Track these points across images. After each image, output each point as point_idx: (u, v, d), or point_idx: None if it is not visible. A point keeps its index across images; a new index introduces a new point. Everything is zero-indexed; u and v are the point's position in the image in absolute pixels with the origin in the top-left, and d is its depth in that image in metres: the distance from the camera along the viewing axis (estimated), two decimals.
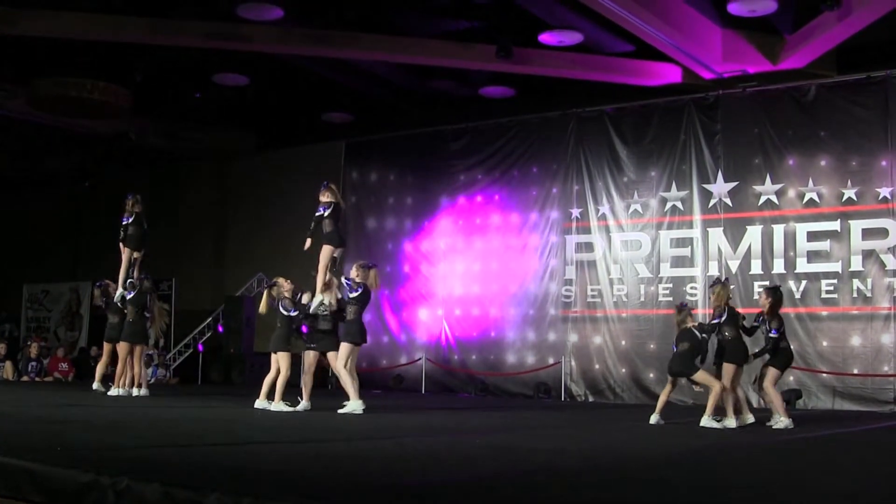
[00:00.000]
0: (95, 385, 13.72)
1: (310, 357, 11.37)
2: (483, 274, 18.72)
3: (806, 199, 15.70)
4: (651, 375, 16.50)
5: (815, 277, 15.50)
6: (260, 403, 11.13)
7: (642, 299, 16.91)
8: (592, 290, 17.42)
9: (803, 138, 15.79)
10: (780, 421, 10.10)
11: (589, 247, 17.55)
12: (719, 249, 16.30)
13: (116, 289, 13.90)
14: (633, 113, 17.40)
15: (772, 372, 10.38)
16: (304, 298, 11.42)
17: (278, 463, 5.80)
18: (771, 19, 14.36)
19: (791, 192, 15.85)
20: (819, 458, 7.71)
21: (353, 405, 10.64)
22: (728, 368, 10.16)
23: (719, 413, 10.06)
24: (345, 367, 10.79)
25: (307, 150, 21.21)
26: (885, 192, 15.08)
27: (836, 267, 15.35)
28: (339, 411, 10.66)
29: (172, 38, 15.50)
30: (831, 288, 15.35)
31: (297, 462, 6.02)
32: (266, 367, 11.64)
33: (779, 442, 8.81)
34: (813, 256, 15.59)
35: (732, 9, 13.84)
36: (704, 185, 16.52)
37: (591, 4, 13.16)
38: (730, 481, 5.83)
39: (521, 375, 17.87)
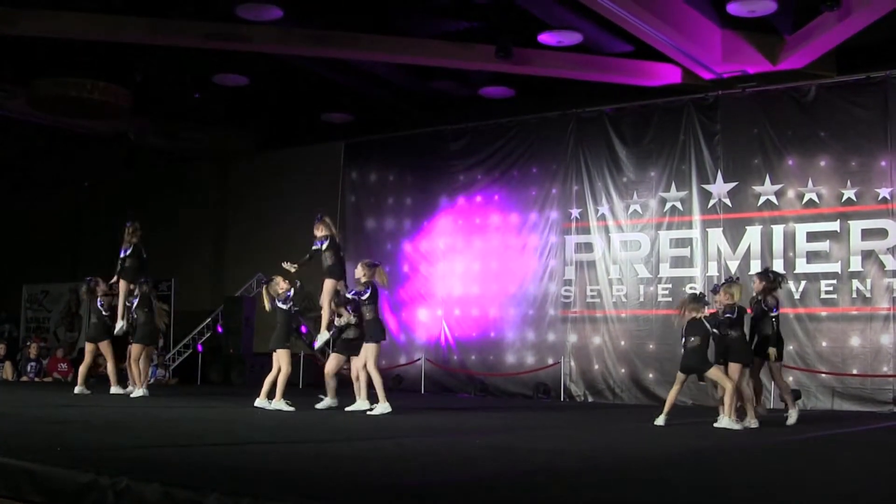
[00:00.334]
0: (78, 389, 13.66)
1: (337, 360, 11.39)
2: (482, 274, 18.72)
3: (805, 200, 15.70)
4: (650, 376, 16.51)
5: (814, 278, 15.51)
6: (260, 402, 11.14)
7: (641, 300, 16.91)
8: (592, 290, 17.42)
9: (803, 139, 15.80)
10: (792, 415, 10.22)
11: (588, 247, 17.56)
12: (718, 250, 16.30)
13: (105, 291, 13.94)
14: (633, 113, 17.40)
15: (774, 367, 10.44)
16: (342, 320, 11.35)
17: (278, 463, 5.79)
18: (770, 19, 14.35)
19: (790, 193, 15.85)
20: (819, 458, 7.71)
21: (382, 408, 10.66)
22: (734, 368, 10.11)
23: (739, 413, 10.05)
24: (375, 366, 10.84)
25: (307, 150, 21.22)
26: (884, 192, 15.08)
27: (835, 267, 15.36)
28: (368, 413, 10.70)
29: (172, 39, 15.50)
30: (831, 288, 15.36)
31: (297, 462, 6.01)
32: (265, 368, 11.65)
33: (779, 442, 8.81)
34: (812, 257, 15.59)
35: (732, 9, 13.83)
36: (704, 186, 16.52)
37: (591, 5, 13.15)
38: (730, 481, 5.83)
39: (521, 376, 17.87)
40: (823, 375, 15.23)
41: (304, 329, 12.24)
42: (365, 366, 10.93)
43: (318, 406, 11.36)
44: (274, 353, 11.28)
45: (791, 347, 15.45)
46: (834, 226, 15.41)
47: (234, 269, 21.89)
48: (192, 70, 17.64)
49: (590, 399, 17.08)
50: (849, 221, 15.32)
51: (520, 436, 9.15)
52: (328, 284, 11.36)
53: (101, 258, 23.42)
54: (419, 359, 18.71)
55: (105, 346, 13.90)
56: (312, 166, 21.23)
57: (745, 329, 10.38)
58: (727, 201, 16.31)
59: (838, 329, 15.26)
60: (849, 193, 15.34)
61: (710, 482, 5.78)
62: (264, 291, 11.46)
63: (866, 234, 15.19)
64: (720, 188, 16.37)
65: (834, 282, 15.33)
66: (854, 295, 15.18)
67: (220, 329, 20.81)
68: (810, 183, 15.67)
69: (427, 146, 19.59)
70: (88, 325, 13.97)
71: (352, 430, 8.80)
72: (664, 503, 4.85)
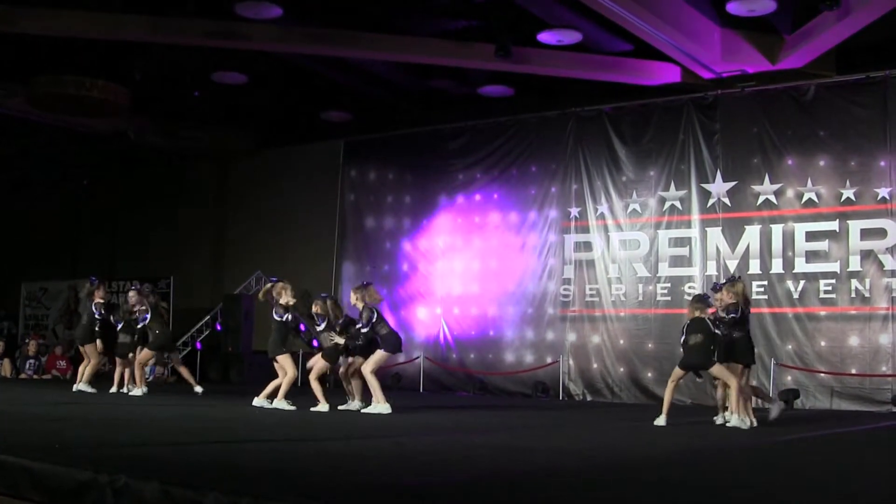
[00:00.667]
0: (81, 386, 13.70)
1: (354, 362, 11.36)
2: (481, 273, 18.71)
3: (804, 199, 15.70)
4: (649, 375, 16.51)
5: (813, 277, 15.51)
6: (258, 401, 11.14)
7: (640, 299, 16.91)
8: (591, 289, 17.42)
9: (802, 138, 15.79)
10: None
11: (587, 246, 17.55)
12: (717, 249, 16.31)
13: (103, 297, 14.04)
14: (632, 112, 17.39)
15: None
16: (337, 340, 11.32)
17: (277, 462, 5.78)
18: (770, 19, 14.35)
19: (790, 192, 15.85)
20: (819, 458, 7.70)
21: (381, 407, 10.69)
22: (736, 369, 10.08)
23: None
24: (371, 371, 10.83)
25: (306, 148, 21.22)
26: (883, 192, 15.09)
27: (834, 267, 15.36)
28: (364, 411, 10.74)
29: (171, 37, 15.49)
30: (829, 288, 15.36)
31: (296, 461, 6.01)
32: (264, 366, 11.64)
33: (779, 442, 8.81)
34: (811, 256, 15.59)
35: (731, 8, 13.82)
36: (703, 185, 16.52)
37: (590, 4, 13.15)
38: (730, 481, 5.82)
39: (520, 374, 17.87)
40: (822, 375, 15.24)
41: (302, 327, 12.21)
42: (365, 369, 10.93)
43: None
44: (275, 361, 11.27)
45: (790, 347, 15.49)
46: (833, 225, 15.41)
47: (233, 268, 21.89)
48: (191, 68, 17.62)
49: (588, 398, 17.08)
50: (848, 221, 15.32)
51: (518, 435, 9.15)
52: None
53: (100, 256, 23.49)
54: (418, 357, 18.71)
55: (91, 349, 13.93)
56: (311, 165, 21.23)
57: (748, 329, 10.33)
58: (726, 201, 16.31)
59: (837, 329, 15.26)
60: (848, 193, 15.34)
61: (710, 482, 5.77)
62: (268, 289, 11.38)
63: (865, 233, 15.19)
64: (719, 187, 16.37)
65: (833, 281, 15.33)
66: (853, 294, 15.18)
67: (218, 327, 20.80)
68: (809, 182, 15.67)
69: (426, 145, 19.58)
70: (78, 325, 13.99)
71: (351, 429, 8.79)
72: (664, 503, 4.85)
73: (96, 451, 5.90)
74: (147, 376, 14.41)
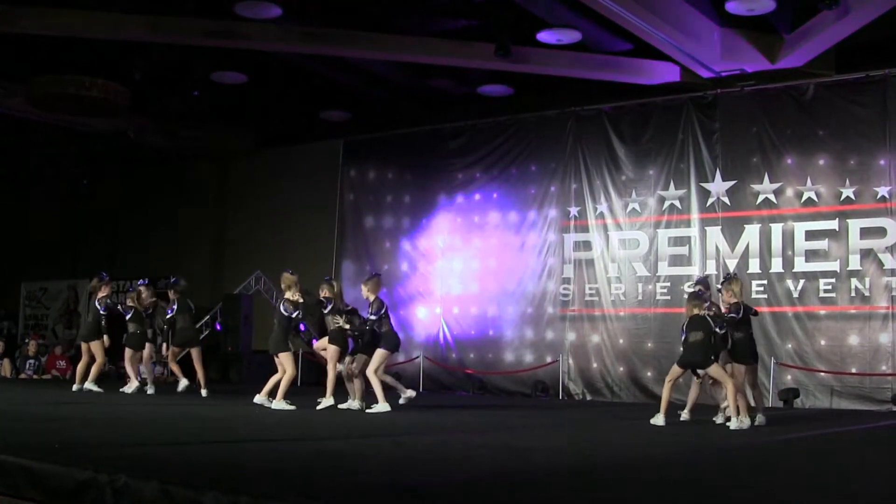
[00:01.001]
0: (89, 384, 13.72)
1: (359, 361, 11.36)
2: (481, 272, 18.71)
3: (804, 199, 15.69)
4: (649, 374, 16.51)
5: (813, 276, 15.51)
6: (259, 399, 11.15)
7: (640, 298, 16.91)
8: (590, 288, 17.42)
9: (802, 137, 15.79)
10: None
11: (587, 245, 17.55)
12: (717, 248, 16.31)
13: (108, 294, 14.08)
14: (632, 112, 17.39)
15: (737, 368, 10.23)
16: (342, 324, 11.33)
17: (277, 461, 5.79)
18: (769, 18, 14.34)
19: (789, 191, 15.85)
20: (819, 458, 7.70)
21: (381, 407, 10.74)
22: (737, 369, 10.07)
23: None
24: (375, 371, 10.88)
25: (305, 148, 21.22)
26: (883, 191, 15.08)
27: (834, 266, 15.35)
28: (367, 411, 10.75)
29: (171, 37, 15.49)
30: (829, 287, 15.35)
31: (296, 460, 6.01)
32: (264, 366, 11.65)
33: (779, 442, 8.81)
34: (811, 255, 15.59)
35: (731, 7, 13.81)
36: (702, 184, 16.52)
37: (590, 3, 13.14)
38: (730, 481, 5.82)
39: (519, 374, 17.87)
40: (822, 374, 15.24)
41: (302, 327, 12.22)
42: (366, 369, 10.95)
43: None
44: (276, 357, 11.27)
45: (790, 346, 15.49)
46: (833, 224, 15.41)
47: (233, 267, 21.87)
48: (190, 68, 17.62)
49: (588, 397, 17.08)
50: (847, 220, 15.32)
51: (518, 434, 9.15)
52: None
53: (100, 256, 23.47)
54: (418, 357, 18.71)
55: (96, 346, 13.94)
56: (311, 164, 21.22)
57: (750, 329, 10.31)
58: (726, 200, 16.31)
59: (837, 328, 15.26)
60: (847, 192, 15.33)
61: (710, 482, 5.77)
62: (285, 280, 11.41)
63: (865, 232, 15.19)
64: (719, 187, 16.37)
65: (833, 280, 15.33)
66: (853, 294, 15.18)
67: (218, 327, 20.79)
68: (809, 182, 15.67)
69: (426, 144, 19.58)
70: (83, 324, 14.05)
71: (351, 429, 8.79)
72: (664, 503, 4.85)
73: (96, 451, 5.90)
74: (143, 374, 14.40)
